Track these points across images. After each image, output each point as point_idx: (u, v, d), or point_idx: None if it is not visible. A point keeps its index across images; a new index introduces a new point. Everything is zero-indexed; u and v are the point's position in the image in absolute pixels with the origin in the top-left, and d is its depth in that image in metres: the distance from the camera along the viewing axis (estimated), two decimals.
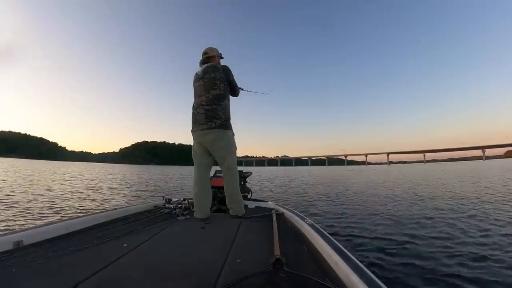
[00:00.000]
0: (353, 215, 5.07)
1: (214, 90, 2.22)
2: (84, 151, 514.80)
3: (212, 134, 2.19)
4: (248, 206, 2.64)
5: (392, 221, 4.40)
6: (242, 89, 2.67)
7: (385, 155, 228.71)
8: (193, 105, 2.34)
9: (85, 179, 14.76)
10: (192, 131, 2.31)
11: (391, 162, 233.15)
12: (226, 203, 2.32)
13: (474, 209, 5.31)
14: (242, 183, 3.09)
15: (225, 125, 2.23)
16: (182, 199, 2.70)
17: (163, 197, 2.72)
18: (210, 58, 2.45)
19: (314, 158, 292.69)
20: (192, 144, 2.37)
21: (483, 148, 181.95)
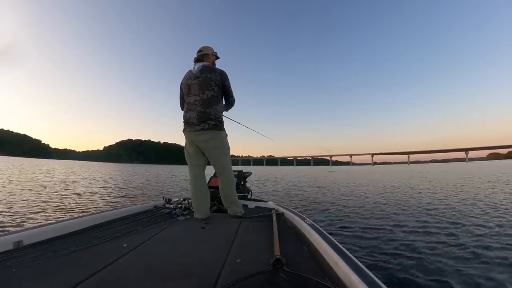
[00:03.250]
0: (352, 215, 5.01)
1: (209, 91, 2.19)
2: (67, 148, 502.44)
3: (206, 135, 2.16)
4: (248, 206, 2.64)
5: (391, 221, 4.38)
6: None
7: (369, 156, 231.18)
8: (185, 104, 2.30)
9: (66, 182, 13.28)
10: (184, 131, 2.28)
11: (375, 163, 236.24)
12: (223, 203, 2.33)
13: (472, 209, 5.33)
14: (242, 183, 3.07)
15: (219, 126, 2.22)
16: (182, 199, 2.67)
17: (163, 197, 2.70)
18: (204, 56, 2.38)
19: (299, 158, 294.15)
20: (184, 144, 2.34)
21: (466, 150, 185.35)
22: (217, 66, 2.42)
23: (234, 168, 2.52)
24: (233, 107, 2.54)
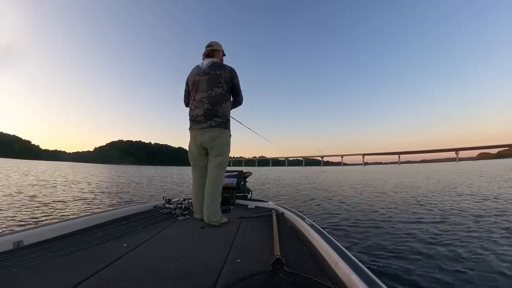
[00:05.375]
0: (352, 215, 5.00)
1: (218, 89, 2.12)
2: (58, 149, 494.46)
3: (212, 132, 2.09)
4: (248, 206, 2.66)
5: (391, 221, 4.40)
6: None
7: (360, 156, 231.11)
8: (191, 100, 2.22)
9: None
10: (190, 129, 2.22)
11: (366, 163, 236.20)
12: (204, 205, 2.05)
13: (472, 209, 5.34)
14: (242, 183, 3.08)
15: (225, 124, 2.15)
16: (182, 199, 2.68)
17: (163, 197, 2.70)
18: (215, 51, 2.29)
19: (291, 158, 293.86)
20: (188, 145, 2.29)
21: (456, 150, 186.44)
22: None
23: (229, 168, 2.49)
24: (240, 106, 2.46)
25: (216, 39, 2.39)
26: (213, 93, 2.10)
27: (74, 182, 12.75)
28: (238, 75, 2.25)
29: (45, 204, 5.94)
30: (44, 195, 7.51)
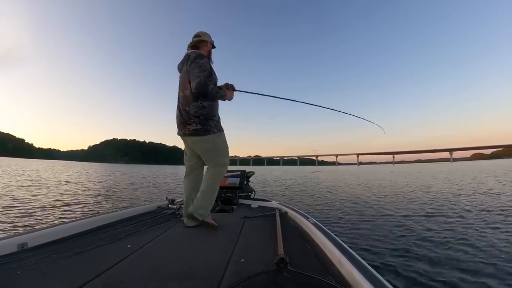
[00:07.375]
0: (355, 214, 4.99)
1: (189, 85, 1.86)
2: (52, 148, 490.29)
3: (190, 139, 1.96)
4: (252, 206, 2.67)
5: (395, 220, 4.39)
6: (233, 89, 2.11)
7: (355, 156, 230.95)
8: None
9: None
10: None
11: (360, 163, 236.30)
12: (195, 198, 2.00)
13: (474, 208, 5.31)
14: (245, 182, 3.08)
15: (202, 129, 1.88)
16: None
17: (166, 197, 2.71)
18: (201, 43, 2.04)
19: (286, 158, 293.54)
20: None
21: (450, 150, 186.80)
22: (212, 57, 2.11)
23: (230, 168, 2.45)
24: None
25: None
26: (187, 92, 1.87)
27: (70, 183, 12.09)
28: (204, 61, 1.88)
29: (42, 208, 5.52)
30: (36, 197, 7.06)
